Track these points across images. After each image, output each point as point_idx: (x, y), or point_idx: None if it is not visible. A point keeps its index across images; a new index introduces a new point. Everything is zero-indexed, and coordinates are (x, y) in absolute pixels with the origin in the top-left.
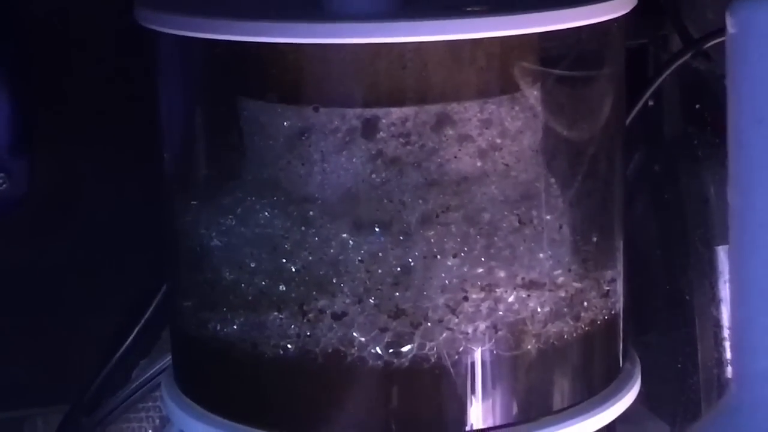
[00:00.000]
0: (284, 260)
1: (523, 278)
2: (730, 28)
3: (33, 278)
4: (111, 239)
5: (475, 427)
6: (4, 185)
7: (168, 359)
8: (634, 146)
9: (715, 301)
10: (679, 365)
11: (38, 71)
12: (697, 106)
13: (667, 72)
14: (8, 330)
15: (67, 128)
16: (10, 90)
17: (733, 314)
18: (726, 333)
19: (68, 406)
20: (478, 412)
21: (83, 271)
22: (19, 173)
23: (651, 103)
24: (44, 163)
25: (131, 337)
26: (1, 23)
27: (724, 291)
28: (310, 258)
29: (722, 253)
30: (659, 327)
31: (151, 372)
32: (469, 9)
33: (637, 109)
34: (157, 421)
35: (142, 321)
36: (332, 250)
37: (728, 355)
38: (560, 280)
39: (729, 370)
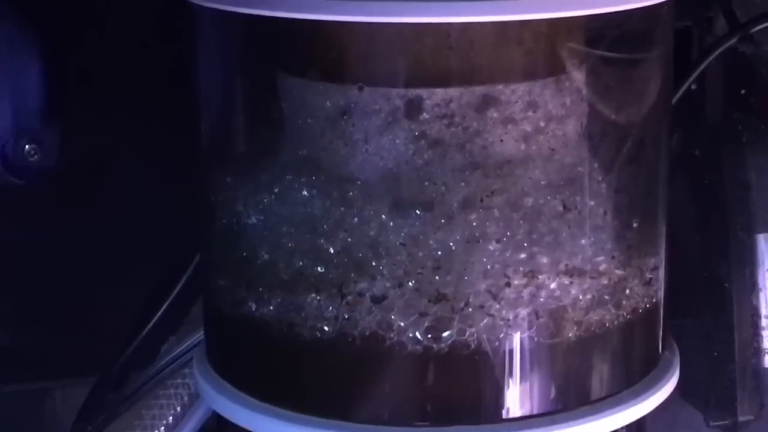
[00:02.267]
0: (323, 241)
1: (565, 265)
2: None
3: (61, 249)
4: (141, 212)
5: (512, 415)
6: (36, 156)
7: (198, 336)
8: (675, 130)
9: (754, 289)
10: (715, 353)
11: (69, 41)
12: (743, 91)
13: (713, 56)
14: (34, 302)
15: (97, 99)
16: (40, 60)
17: None
18: (764, 322)
19: (88, 380)
20: (515, 399)
21: (112, 243)
22: (51, 144)
23: (694, 86)
24: (75, 133)
25: (160, 312)
26: None
27: (764, 279)
28: (350, 239)
29: (763, 242)
30: (695, 313)
31: (181, 348)
32: None
33: (680, 93)
34: (186, 398)
35: (172, 295)
36: (372, 232)
37: (766, 345)
38: (603, 267)
39: (766, 360)
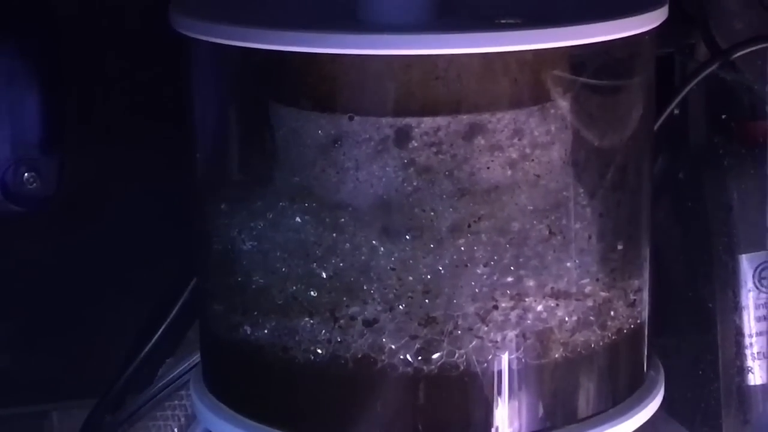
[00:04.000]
0: (315, 266)
1: (551, 287)
2: None
3: (60, 276)
4: (138, 238)
5: None
6: (35, 184)
7: (194, 358)
8: (659, 154)
9: (737, 309)
10: (700, 371)
11: (69, 70)
12: (723, 116)
13: (694, 82)
14: (33, 326)
15: (96, 128)
16: (40, 89)
17: None
18: (747, 341)
19: (85, 402)
20: (504, 419)
21: (109, 269)
22: (49, 172)
23: (676, 111)
24: (74, 162)
25: (157, 335)
26: (32, 21)
27: (747, 299)
28: (342, 264)
29: (745, 262)
30: (680, 333)
31: (178, 370)
32: (502, 21)
33: (663, 118)
34: (183, 419)
35: (168, 319)
36: (363, 257)
37: (749, 363)
38: (588, 289)
39: (750, 378)
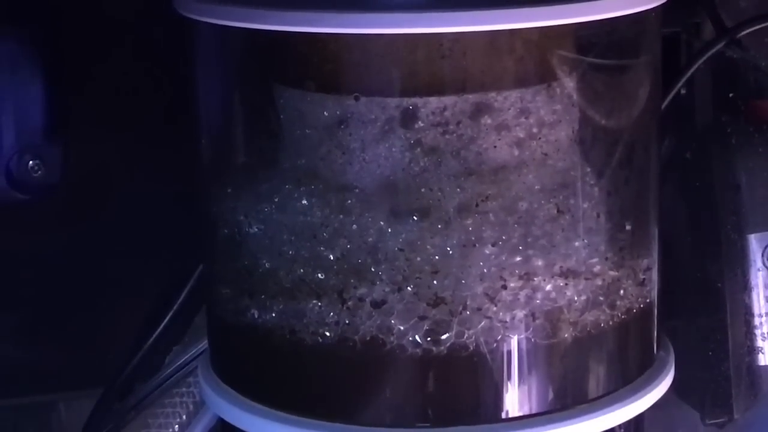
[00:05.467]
0: (323, 248)
1: (560, 267)
2: None
3: (65, 263)
4: (143, 225)
5: (510, 415)
6: (39, 171)
7: (202, 345)
8: (666, 134)
9: (746, 288)
10: (710, 352)
11: (72, 58)
12: (731, 94)
13: (701, 61)
14: (39, 316)
15: (100, 115)
16: (44, 76)
17: None
18: (757, 321)
19: (91, 392)
20: (514, 399)
21: (115, 256)
22: (53, 159)
23: (683, 91)
24: (78, 149)
25: (164, 323)
26: (35, 8)
27: (756, 278)
28: (349, 246)
29: (754, 241)
30: (689, 314)
31: (186, 357)
32: None
33: (669, 97)
34: (191, 406)
35: (175, 307)
36: (371, 239)
37: (759, 343)
38: (597, 268)
39: (760, 358)
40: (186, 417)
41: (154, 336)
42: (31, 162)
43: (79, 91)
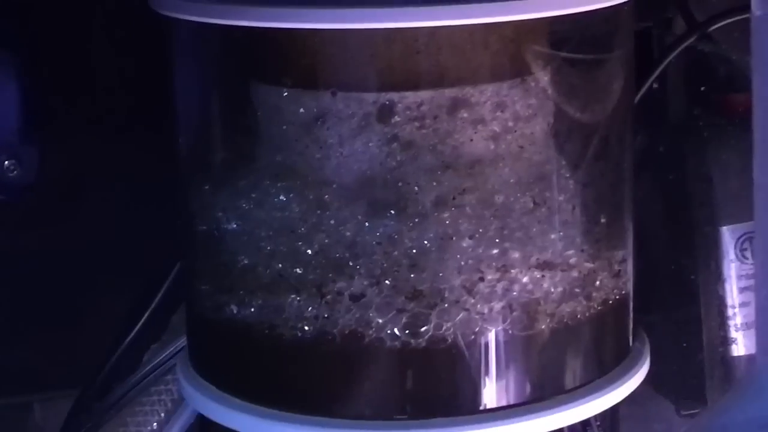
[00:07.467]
0: (301, 243)
1: (537, 259)
2: (756, 10)
3: (42, 263)
4: (120, 224)
5: (489, 406)
6: (15, 171)
7: (180, 342)
8: (639, 128)
9: (720, 280)
10: (684, 344)
11: (49, 58)
12: (702, 88)
13: (672, 55)
14: (16, 315)
15: (77, 115)
16: (20, 76)
17: (758, 294)
18: (730, 312)
19: (67, 392)
20: (492, 390)
21: (92, 256)
22: (30, 159)
23: (655, 85)
24: (54, 148)
25: (141, 322)
26: (8, 8)
27: (729, 270)
28: (327, 241)
29: (727, 233)
30: (664, 306)
31: (164, 355)
32: None
33: (642, 91)
34: (170, 404)
35: (152, 305)
36: (348, 233)
37: (733, 334)
38: (573, 260)
39: (734, 349)
40: (164, 415)
41: (132, 335)
42: (6, 162)
43: (55, 91)
